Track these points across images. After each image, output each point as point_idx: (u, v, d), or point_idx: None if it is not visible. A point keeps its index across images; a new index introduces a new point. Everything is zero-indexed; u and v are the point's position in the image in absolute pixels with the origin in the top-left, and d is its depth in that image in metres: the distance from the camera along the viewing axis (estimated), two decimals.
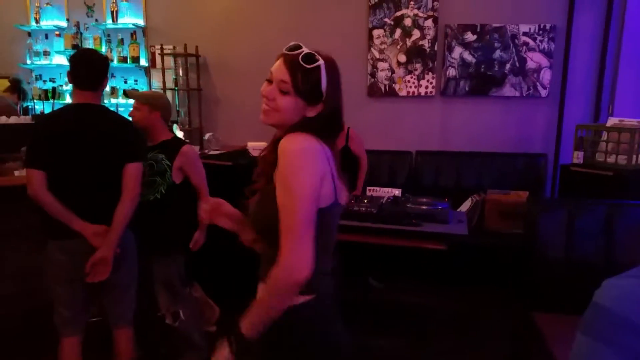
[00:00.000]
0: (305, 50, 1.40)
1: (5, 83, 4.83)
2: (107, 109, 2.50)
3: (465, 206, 3.97)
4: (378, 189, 3.63)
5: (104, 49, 5.26)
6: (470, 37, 4.44)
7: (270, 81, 1.40)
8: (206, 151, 4.57)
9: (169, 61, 5.08)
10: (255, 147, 4.42)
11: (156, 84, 5.20)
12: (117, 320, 2.57)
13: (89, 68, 2.37)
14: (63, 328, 2.44)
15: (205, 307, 3.37)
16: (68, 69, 2.39)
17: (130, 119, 2.79)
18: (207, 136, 4.80)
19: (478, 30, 4.43)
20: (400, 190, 3.53)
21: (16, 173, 3.18)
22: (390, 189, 3.55)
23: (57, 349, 2.46)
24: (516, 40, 4.38)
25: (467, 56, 4.50)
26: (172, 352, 3.08)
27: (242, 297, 3.83)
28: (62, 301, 2.41)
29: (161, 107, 2.87)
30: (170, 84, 5.08)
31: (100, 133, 2.35)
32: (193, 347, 3.02)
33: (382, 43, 4.67)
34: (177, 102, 5.18)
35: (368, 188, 3.70)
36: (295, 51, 1.39)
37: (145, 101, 2.83)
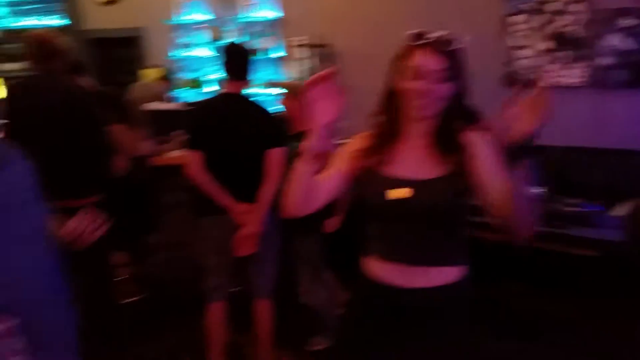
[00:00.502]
0: (444, 33, 1.39)
1: (157, 72, 5.23)
2: (249, 98, 2.67)
3: (621, 210, 3.59)
4: None
5: (244, 41, 5.48)
6: (628, 22, 4.04)
7: (416, 76, 1.37)
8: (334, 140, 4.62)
9: (304, 52, 5.19)
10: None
11: (291, 74, 5.34)
12: (259, 291, 2.75)
13: (236, 60, 2.57)
14: (210, 294, 2.67)
15: (336, 289, 3.41)
16: (221, 60, 2.59)
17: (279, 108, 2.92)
18: (341, 125, 4.84)
19: (638, 14, 4.00)
20: (544, 188, 3.29)
21: (169, 154, 3.43)
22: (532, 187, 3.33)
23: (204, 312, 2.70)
24: None
25: (625, 43, 4.09)
26: (304, 331, 3.17)
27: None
28: (211, 271, 2.65)
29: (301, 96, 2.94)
30: (304, 74, 5.18)
31: (248, 120, 2.55)
32: (325, 328, 3.08)
33: (520, 30, 4.40)
34: None
35: None
36: (434, 38, 1.38)
37: (290, 90, 2.94)
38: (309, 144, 1.39)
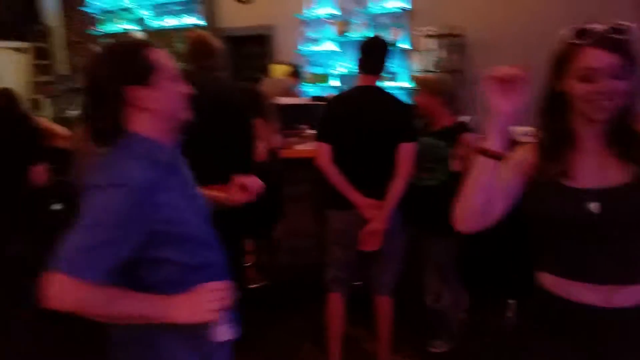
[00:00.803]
0: (611, 25, 1.22)
1: (286, 68, 5.40)
2: (384, 91, 2.61)
3: None
4: None
5: (370, 34, 5.47)
6: None
7: (588, 78, 1.23)
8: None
9: (432, 44, 5.06)
10: (521, 132, 4.13)
11: (416, 67, 5.23)
12: (380, 288, 2.72)
13: (371, 54, 2.55)
14: (332, 285, 2.70)
15: (459, 293, 3.30)
16: (358, 53, 2.57)
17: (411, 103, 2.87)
18: (463, 119, 4.66)
19: None
20: None
21: (296, 147, 3.53)
22: None
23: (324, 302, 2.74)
24: None
25: None
26: (425, 332, 3.11)
27: (492, 291, 3.65)
28: (336, 263, 2.66)
29: (442, 93, 2.83)
30: (431, 66, 5.06)
31: (380, 114, 2.51)
32: (447, 331, 3.01)
33: None
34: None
35: None
36: (601, 33, 1.21)
37: (426, 86, 2.84)
38: (489, 136, 1.27)
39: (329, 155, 2.52)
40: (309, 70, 5.98)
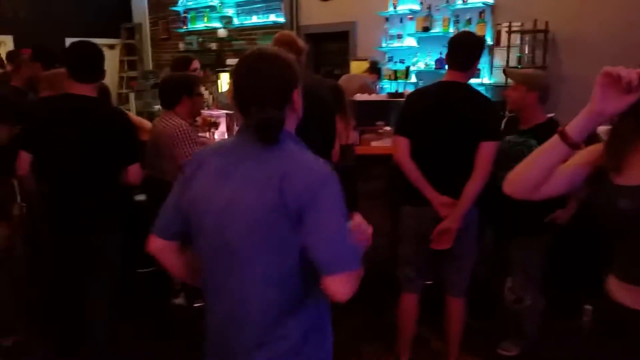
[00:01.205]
0: None
1: (365, 65, 5.47)
2: (471, 88, 2.56)
3: None
4: None
5: (451, 30, 5.44)
6: None
7: None
8: None
9: (515, 39, 4.94)
10: (607, 130, 3.96)
11: (498, 62, 5.13)
12: (452, 289, 2.68)
13: (460, 50, 2.49)
14: (404, 284, 2.70)
15: (539, 297, 3.22)
16: (448, 49, 2.55)
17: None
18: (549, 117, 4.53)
19: None
20: None
21: (373, 144, 3.60)
22: None
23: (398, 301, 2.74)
24: None
25: None
26: (497, 332, 3.09)
27: (571, 294, 3.53)
28: (407, 260, 2.66)
29: (540, 88, 2.72)
30: (513, 62, 4.95)
31: (461, 110, 2.45)
32: (521, 335, 2.96)
33: None
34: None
35: None
36: None
37: (523, 80, 2.72)
38: (577, 124, 1.26)
39: (407, 150, 2.51)
40: (388, 66, 6.01)
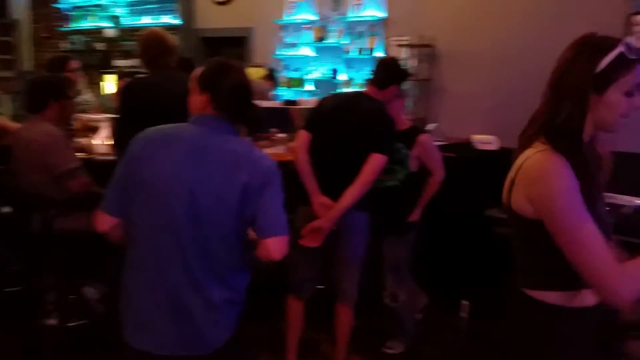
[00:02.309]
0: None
1: (261, 71, 5.48)
2: (379, 104, 2.65)
3: None
4: (619, 196, 3.21)
5: (345, 42, 5.60)
6: None
7: (632, 94, 1.27)
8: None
9: (404, 52, 5.19)
10: (482, 140, 4.28)
11: None
12: (342, 295, 2.73)
13: (380, 70, 2.68)
14: (292, 288, 2.73)
15: (416, 294, 3.42)
16: (372, 67, 2.78)
17: None
18: (431, 127, 4.80)
19: None
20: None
21: (266, 151, 3.60)
22: (632, 197, 3.12)
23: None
24: None
25: None
26: (382, 332, 3.21)
27: (447, 291, 3.75)
28: (297, 263, 2.67)
29: (403, 96, 2.97)
30: None
31: (362, 119, 2.57)
32: (402, 331, 3.11)
33: None
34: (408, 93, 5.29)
35: (605, 194, 3.29)
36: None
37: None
38: None
39: (306, 144, 2.60)
40: (284, 74, 6.07)
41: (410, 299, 3.11)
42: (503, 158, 5.01)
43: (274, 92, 5.36)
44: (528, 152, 1.33)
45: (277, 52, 6.12)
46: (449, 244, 3.79)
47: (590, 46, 1.28)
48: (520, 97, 4.58)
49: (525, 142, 1.37)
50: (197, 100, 1.65)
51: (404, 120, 2.98)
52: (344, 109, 2.63)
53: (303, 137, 2.62)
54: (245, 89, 1.65)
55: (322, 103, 2.74)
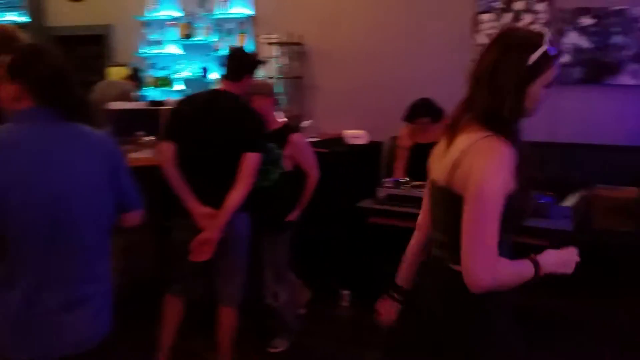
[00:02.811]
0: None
1: (124, 71, 5.19)
2: (240, 99, 2.61)
3: (570, 201, 3.71)
4: None
5: (214, 39, 5.48)
6: (586, 21, 4.13)
7: (550, 84, 1.42)
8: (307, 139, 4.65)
9: (274, 50, 5.20)
10: (353, 134, 4.43)
11: (261, 72, 5.34)
12: (224, 299, 2.67)
13: (233, 61, 2.62)
14: (171, 288, 2.64)
15: (298, 290, 3.45)
16: (222, 60, 2.68)
17: None
18: (305, 123, 4.87)
19: (595, 13, 4.10)
20: None
21: (132, 155, 3.41)
22: None
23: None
24: (639, 24, 4.01)
25: (582, 41, 4.19)
26: (266, 331, 3.20)
27: (329, 283, 3.86)
28: (179, 275, 2.61)
29: (272, 94, 2.97)
30: (274, 72, 5.21)
31: (227, 119, 2.50)
32: (286, 329, 3.12)
33: (490, 28, 4.46)
34: (279, 90, 5.30)
35: None
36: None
37: (259, 90, 2.90)
38: (547, 266, 1.41)
39: (172, 156, 2.46)
40: (151, 73, 5.80)
41: (292, 296, 3.13)
42: (372, 151, 5.34)
43: (139, 93, 5.10)
44: (470, 138, 1.40)
45: (141, 50, 5.82)
46: (326, 237, 3.87)
47: (518, 43, 1.38)
48: (384, 91, 4.83)
49: (457, 129, 1.46)
50: (8, 91, 1.46)
51: (276, 119, 2.97)
52: (205, 110, 2.52)
53: (167, 149, 2.48)
54: (62, 73, 1.51)
55: (179, 109, 2.60)
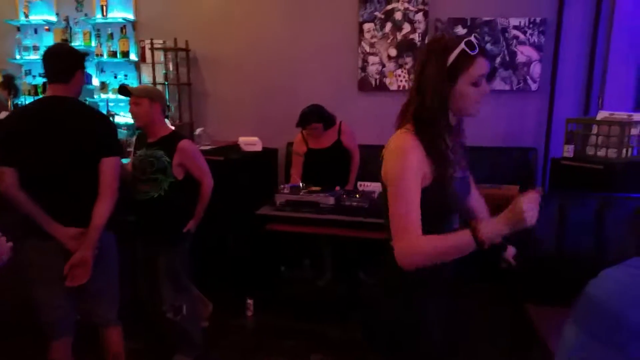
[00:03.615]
0: (474, 36, 1.51)
1: None
2: (78, 101, 2.38)
3: None
4: (369, 183, 3.65)
5: (93, 44, 5.22)
6: (460, 30, 4.46)
7: (478, 84, 1.50)
8: (197, 146, 4.56)
9: (159, 56, 5.05)
10: (247, 142, 4.43)
11: (146, 78, 5.16)
12: (101, 320, 2.49)
13: (57, 61, 2.28)
14: (50, 330, 2.37)
15: (200, 303, 3.38)
16: (43, 62, 2.31)
17: (128, 115, 2.78)
18: (197, 131, 4.79)
19: (468, 24, 4.45)
20: None
21: None
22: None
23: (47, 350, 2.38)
24: (506, 34, 4.40)
25: None
26: (168, 347, 3.09)
27: (231, 293, 3.83)
28: (45, 303, 2.33)
29: (161, 99, 2.85)
30: (160, 78, 5.06)
31: (70, 127, 2.25)
32: (190, 343, 3.03)
33: (372, 37, 4.67)
34: (167, 97, 5.15)
35: (359, 183, 3.72)
36: (483, 44, 1.57)
37: (145, 94, 2.78)
38: (488, 232, 1.33)
39: (15, 180, 2.17)
40: (26, 80, 5.39)
41: (194, 309, 3.05)
42: (267, 158, 5.36)
43: (14, 101, 4.72)
44: (394, 134, 1.55)
45: (15, 57, 5.39)
46: (225, 246, 3.83)
47: (440, 46, 1.48)
48: (276, 98, 4.88)
49: (397, 127, 1.58)
50: None
51: (164, 126, 2.89)
52: (44, 122, 2.23)
53: (8, 174, 2.17)
54: None
55: (10, 126, 2.24)
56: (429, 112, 1.49)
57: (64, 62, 2.29)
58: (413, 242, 1.39)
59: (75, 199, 2.26)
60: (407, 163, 1.45)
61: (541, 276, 2.61)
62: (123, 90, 2.83)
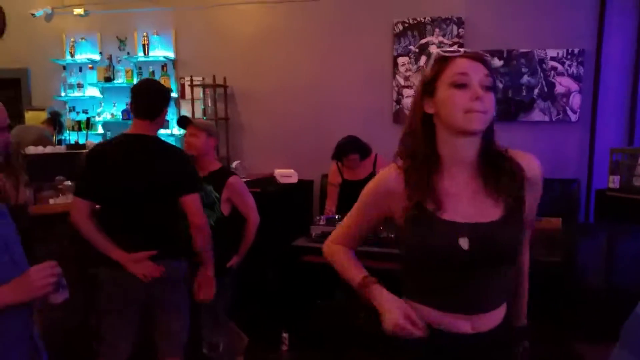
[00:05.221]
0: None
1: (42, 115, 4.97)
2: (159, 140, 2.46)
3: None
4: None
5: (135, 81, 5.39)
6: (496, 62, 4.43)
7: (462, 85, 1.26)
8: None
9: (198, 92, 5.18)
10: (283, 174, 4.45)
11: (185, 114, 5.28)
12: (167, 352, 2.49)
13: (146, 98, 2.38)
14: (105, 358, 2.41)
15: (236, 336, 3.34)
16: (130, 98, 2.43)
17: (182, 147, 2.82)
18: (234, 164, 4.84)
19: (505, 55, 4.42)
20: None
21: (51, 201, 3.24)
22: None
23: None
24: (544, 65, 4.35)
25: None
26: None
27: (267, 326, 3.78)
28: (110, 330, 2.38)
29: (216, 135, 2.91)
30: (198, 113, 5.17)
31: (153, 166, 2.33)
32: None
33: (407, 70, 4.69)
34: None
35: None
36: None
37: (204, 127, 2.84)
38: (375, 296, 1.47)
39: (85, 211, 2.29)
40: (70, 117, 5.59)
41: (230, 344, 3.00)
42: (303, 190, 5.36)
43: (59, 137, 4.89)
44: None
45: (61, 94, 5.61)
46: (261, 279, 3.80)
47: (422, 74, 1.41)
48: (312, 130, 4.91)
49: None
50: None
51: (215, 161, 2.90)
52: (127, 161, 2.32)
53: (80, 205, 2.29)
54: None
55: (92, 161, 2.35)
56: (409, 137, 1.40)
57: (153, 99, 2.38)
58: (326, 244, 1.61)
59: (150, 230, 2.35)
60: (366, 190, 1.49)
61: (590, 311, 2.50)
62: (183, 121, 2.90)
